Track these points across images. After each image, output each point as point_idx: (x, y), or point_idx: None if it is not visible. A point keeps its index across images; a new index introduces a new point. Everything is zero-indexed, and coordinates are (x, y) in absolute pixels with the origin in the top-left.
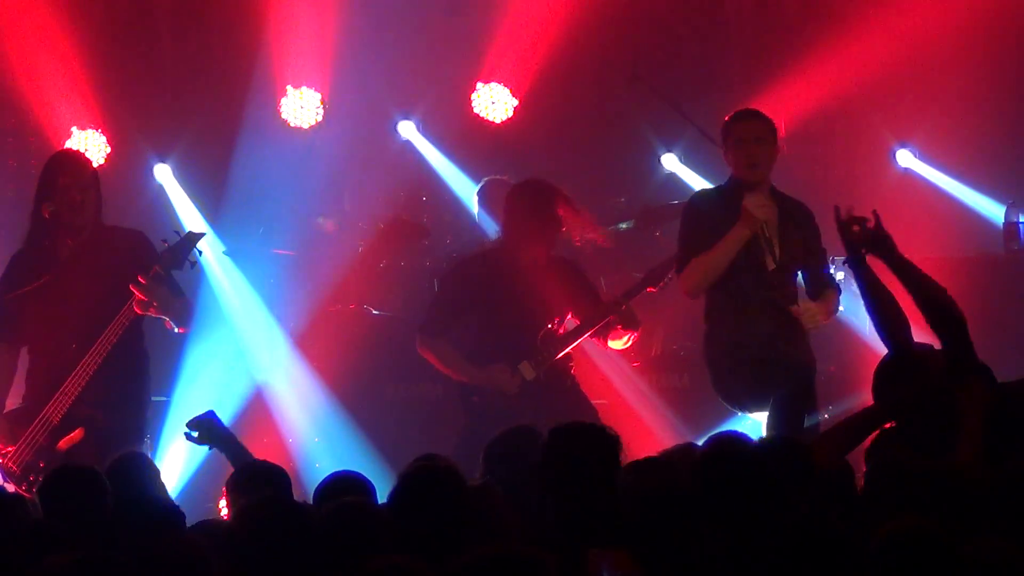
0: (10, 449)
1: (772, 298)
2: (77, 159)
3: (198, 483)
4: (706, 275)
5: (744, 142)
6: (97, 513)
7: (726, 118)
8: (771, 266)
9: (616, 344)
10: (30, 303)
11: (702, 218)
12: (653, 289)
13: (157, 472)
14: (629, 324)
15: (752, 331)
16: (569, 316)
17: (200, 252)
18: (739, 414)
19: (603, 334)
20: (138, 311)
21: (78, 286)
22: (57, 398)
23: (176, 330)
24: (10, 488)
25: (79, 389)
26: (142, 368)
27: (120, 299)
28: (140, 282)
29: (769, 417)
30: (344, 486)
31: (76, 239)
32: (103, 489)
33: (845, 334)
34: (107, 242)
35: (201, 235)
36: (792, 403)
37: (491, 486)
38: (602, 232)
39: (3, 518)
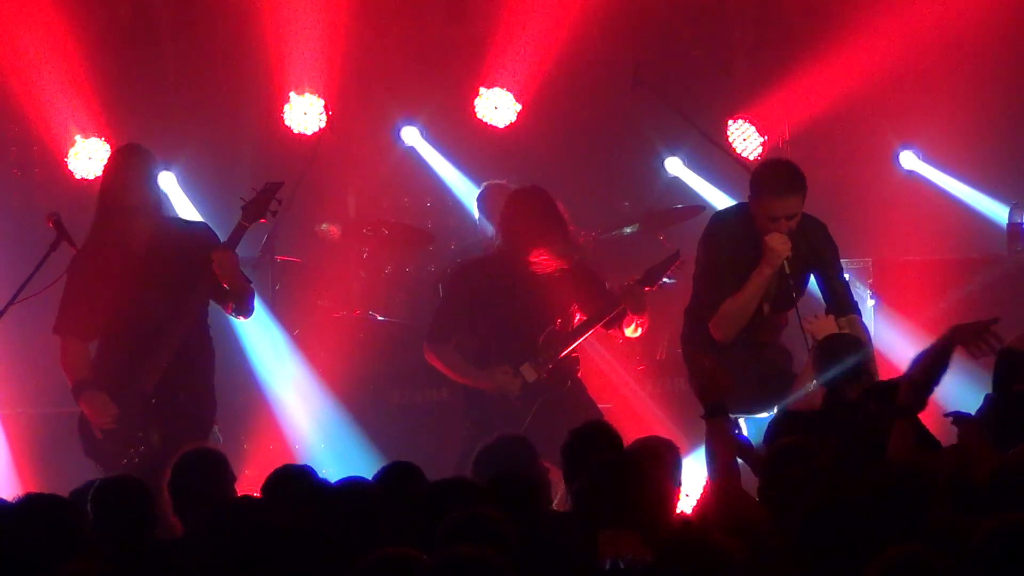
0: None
1: (757, 339)
2: (127, 148)
3: None
4: (737, 321)
5: (778, 220)
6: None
7: (759, 171)
8: (765, 311)
9: (628, 332)
10: (106, 288)
11: (723, 256)
12: (651, 288)
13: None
14: (637, 308)
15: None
16: (578, 315)
17: (280, 201)
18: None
19: (616, 324)
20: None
21: (153, 273)
22: (140, 379)
23: (236, 316)
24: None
25: (159, 372)
26: (211, 353)
27: (191, 282)
28: (220, 253)
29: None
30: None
31: (145, 222)
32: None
33: None
34: (176, 231)
35: (280, 184)
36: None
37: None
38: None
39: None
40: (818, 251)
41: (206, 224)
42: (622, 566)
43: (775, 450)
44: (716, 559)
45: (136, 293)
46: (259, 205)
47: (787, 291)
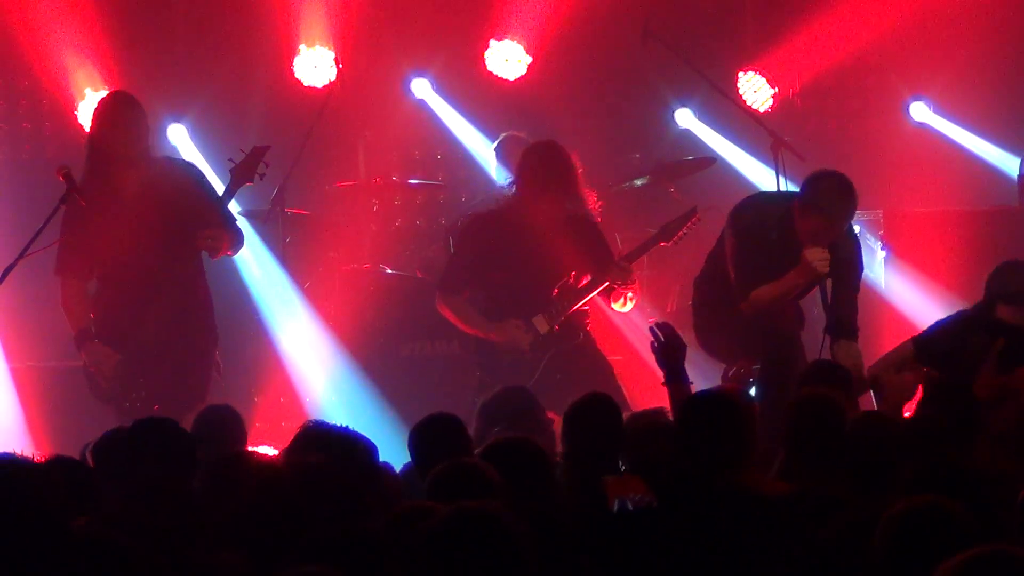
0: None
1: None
2: (122, 97)
3: None
4: (767, 308)
5: (826, 238)
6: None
7: (820, 186)
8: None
9: (617, 306)
10: (102, 235)
11: (759, 244)
12: (667, 244)
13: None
14: (621, 278)
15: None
16: (586, 271)
17: (267, 164)
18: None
19: (606, 296)
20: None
21: (147, 216)
22: (140, 325)
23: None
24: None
25: (158, 318)
26: (206, 293)
27: (184, 226)
28: (209, 236)
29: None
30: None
31: (137, 171)
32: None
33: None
34: (167, 173)
35: (267, 148)
36: (775, 372)
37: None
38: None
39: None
40: (840, 263)
41: (194, 166)
42: (630, 507)
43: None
44: None
45: (130, 240)
46: (247, 168)
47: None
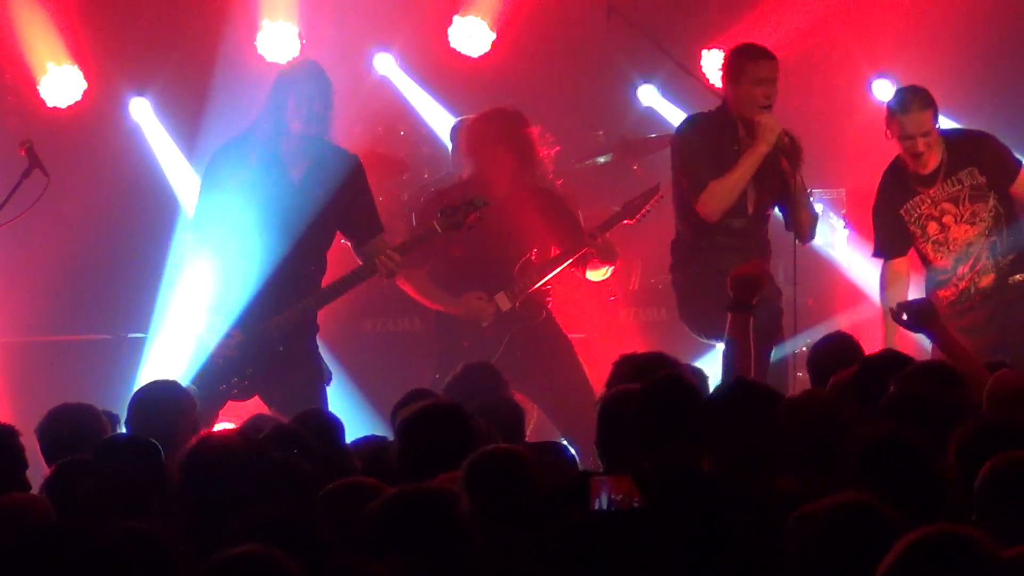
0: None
1: (743, 244)
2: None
3: None
4: (728, 197)
5: (763, 82)
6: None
7: (732, 51)
8: (749, 210)
9: (594, 275)
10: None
11: (702, 145)
12: (631, 221)
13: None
14: (607, 257)
15: (719, 266)
16: (553, 248)
17: (481, 218)
18: (713, 345)
19: (581, 264)
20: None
21: (312, 206)
22: (277, 324)
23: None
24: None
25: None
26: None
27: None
28: (387, 261)
29: None
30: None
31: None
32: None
33: (819, 265)
34: (333, 162)
35: (485, 203)
36: (759, 338)
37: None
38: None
39: None
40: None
41: (358, 160)
42: (613, 508)
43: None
44: None
45: (278, 219)
46: (457, 214)
47: (770, 189)
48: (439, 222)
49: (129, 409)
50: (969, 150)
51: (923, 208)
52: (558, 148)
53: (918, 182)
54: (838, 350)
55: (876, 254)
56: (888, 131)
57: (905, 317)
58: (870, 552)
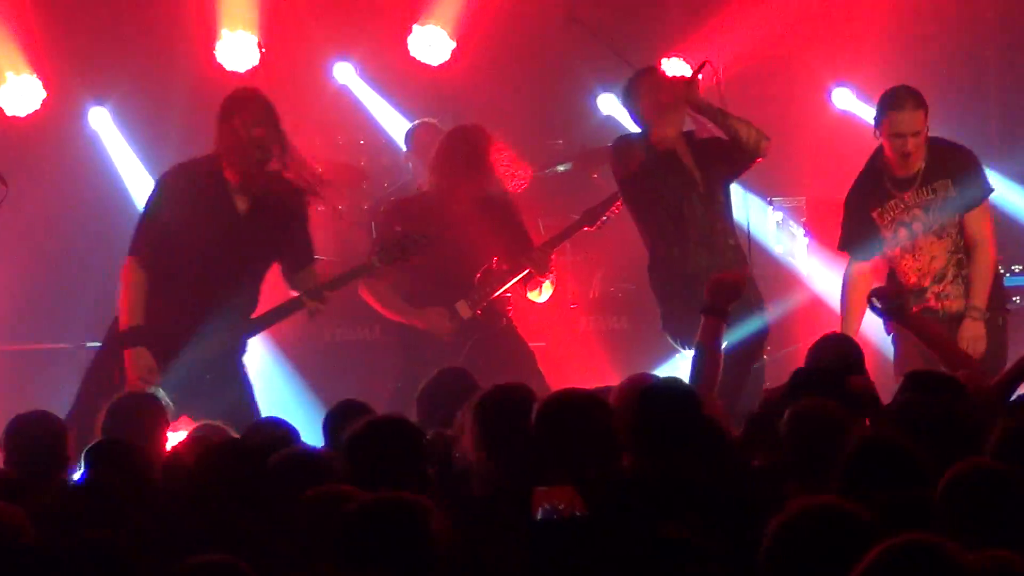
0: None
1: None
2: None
3: None
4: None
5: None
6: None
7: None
8: (701, 188)
9: (533, 296)
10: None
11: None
12: (591, 229)
13: None
14: (540, 268)
15: (685, 269)
16: (508, 257)
17: (418, 254)
18: (678, 353)
19: (524, 283)
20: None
21: (254, 237)
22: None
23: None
24: None
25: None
26: None
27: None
28: (313, 304)
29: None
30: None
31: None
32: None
33: (779, 274)
34: (277, 193)
35: (423, 237)
36: (744, 355)
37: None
38: (527, 177)
39: None
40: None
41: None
42: (555, 518)
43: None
44: None
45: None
46: (397, 249)
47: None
48: (378, 257)
49: (105, 419)
50: (949, 163)
51: (896, 212)
52: (523, 167)
53: (894, 185)
54: (840, 350)
55: (842, 247)
56: (877, 129)
57: (878, 303)
58: (844, 557)
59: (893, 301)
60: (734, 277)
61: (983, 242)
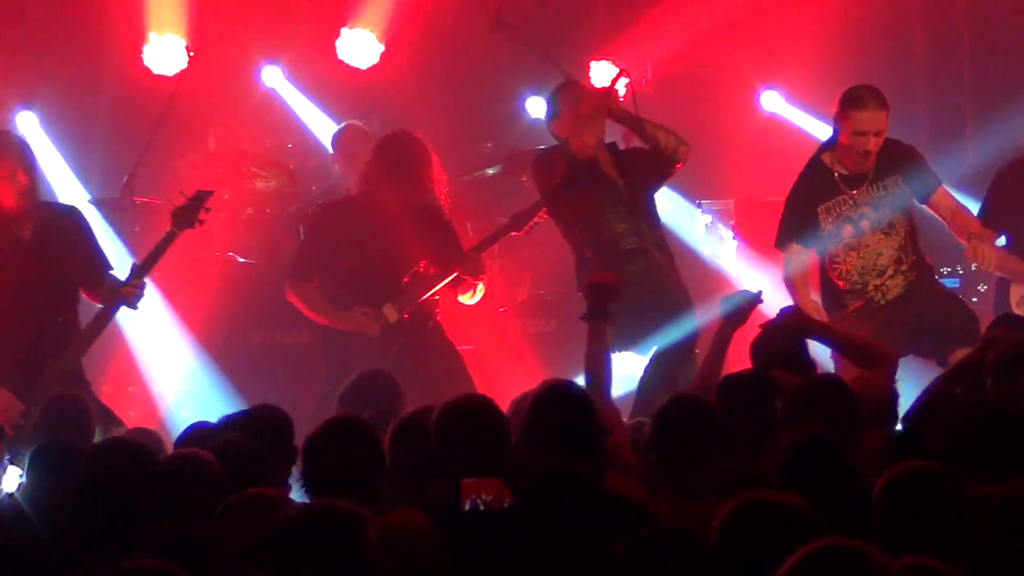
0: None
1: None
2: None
3: None
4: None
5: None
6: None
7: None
8: (622, 226)
9: (464, 298)
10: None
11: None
12: (519, 233)
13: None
14: (472, 272)
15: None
16: (437, 261)
17: (209, 209)
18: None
19: (454, 287)
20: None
21: (44, 263)
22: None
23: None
24: None
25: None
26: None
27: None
28: (133, 291)
29: (651, 362)
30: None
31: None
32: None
33: (707, 276)
34: (56, 218)
35: (210, 193)
36: (673, 350)
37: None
38: (448, 188)
39: None
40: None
41: (77, 211)
42: (482, 509)
43: None
44: None
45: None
46: (189, 212)
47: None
48: (173, 223)
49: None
50: (895, 159)
51: (843, 208)
52: (444, 175)
53: (844, 181)
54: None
55: (779, 243)
56: (838, 126)
57: (775, 333)
58: (781, 551)
59: (791, 324)
60: (610, 279)
61: (960, 207)
